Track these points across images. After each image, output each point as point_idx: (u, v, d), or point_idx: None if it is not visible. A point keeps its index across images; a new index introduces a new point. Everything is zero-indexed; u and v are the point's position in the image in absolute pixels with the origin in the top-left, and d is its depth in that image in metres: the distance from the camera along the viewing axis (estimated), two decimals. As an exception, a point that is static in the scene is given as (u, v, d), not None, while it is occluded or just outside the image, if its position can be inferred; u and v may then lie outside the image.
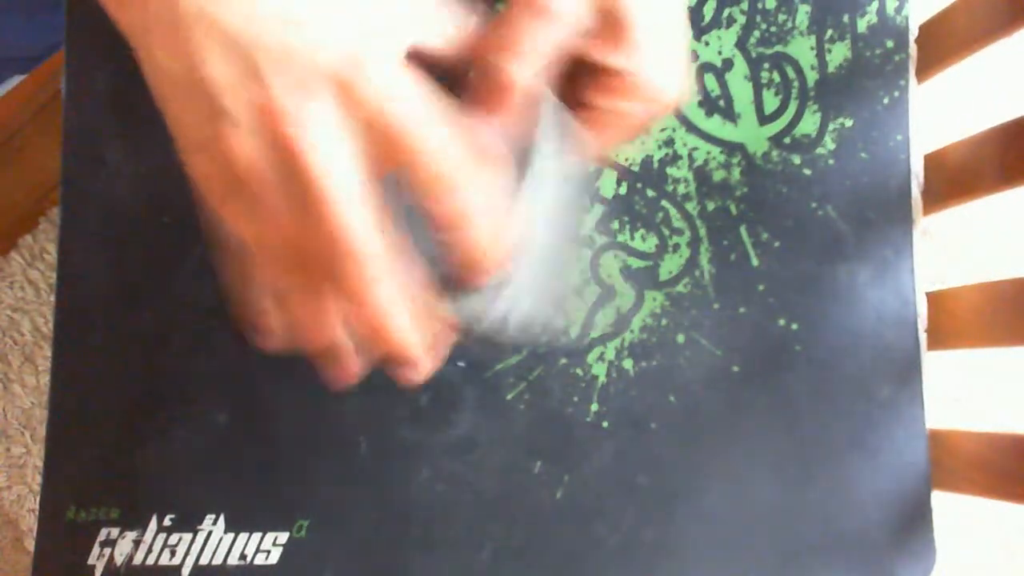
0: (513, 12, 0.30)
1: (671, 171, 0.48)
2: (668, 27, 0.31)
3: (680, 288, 0.48)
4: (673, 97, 0.32)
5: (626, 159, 0.48)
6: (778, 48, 0.49)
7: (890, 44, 0.50)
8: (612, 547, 0.46)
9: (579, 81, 0.32)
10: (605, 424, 0.47)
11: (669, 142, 0.48)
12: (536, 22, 0.29)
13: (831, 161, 0.49)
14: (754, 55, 0.49)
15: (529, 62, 0.30)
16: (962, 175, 0.49)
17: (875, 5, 0.50)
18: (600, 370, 0.47)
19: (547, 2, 0.29)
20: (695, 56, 0.48)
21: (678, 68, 0.32)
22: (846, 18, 0.50)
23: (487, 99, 0.30)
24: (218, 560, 0.45)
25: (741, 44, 0.49)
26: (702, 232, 0.48)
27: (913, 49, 0.50)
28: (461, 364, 0.46)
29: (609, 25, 0.30)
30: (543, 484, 0.46)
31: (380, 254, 0.26)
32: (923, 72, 0.50)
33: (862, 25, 0.50)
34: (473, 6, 0.31)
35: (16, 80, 0.69)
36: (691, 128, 0.49)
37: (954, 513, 0.90)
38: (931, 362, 0.49)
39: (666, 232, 0.48)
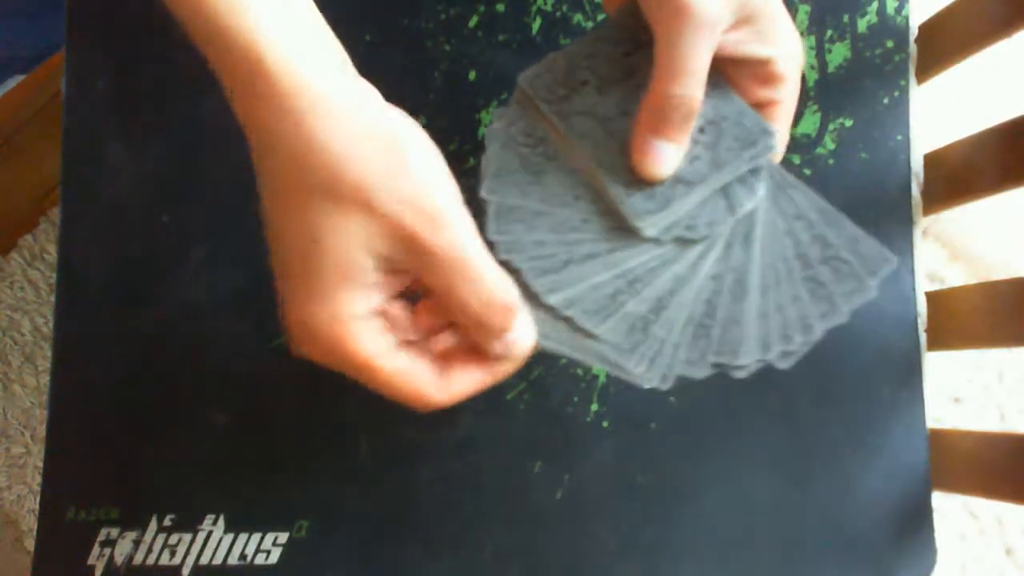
0: (673, 29, 0.31)
1: (671, 171, 0.48)
2: (779, 5, 0.33)
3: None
4: (801, 67, 0.34)
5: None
6: (778, 48, 0.49)
7: (890, 44, 0.50)
8: (612, 547, 0.46)
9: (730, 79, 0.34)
10: (605, 424, 0.47)
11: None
12: (696, 36, 0.30)
13: (831, 161, 0.49)
14: (754, 55, 0.49)
15: (700, 80, 0.31)
16: (962, 175, 0.49)
17: (875, 5, 0.50)
18: (600, 370, 0.47)
19: (701, 12, 0.30)
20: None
21: (796, 41, 0.34)
22: (846, 18, 0.50)
23: (674, 128, 0.32)
24: (218, 560, 0.45)
25: (741, 44, 0.49)
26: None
27: (913, 49, 0.50)
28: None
29: (747, 18, 0.32)
30: (543, 484, 0.46)
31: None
32: (923, 72, 0.50)
33: (862, 25, 0.50)
34: None
35: (16, 80, 0.69)
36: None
37: (954, 513, 0.90)
38: (931, 362, 0.49)
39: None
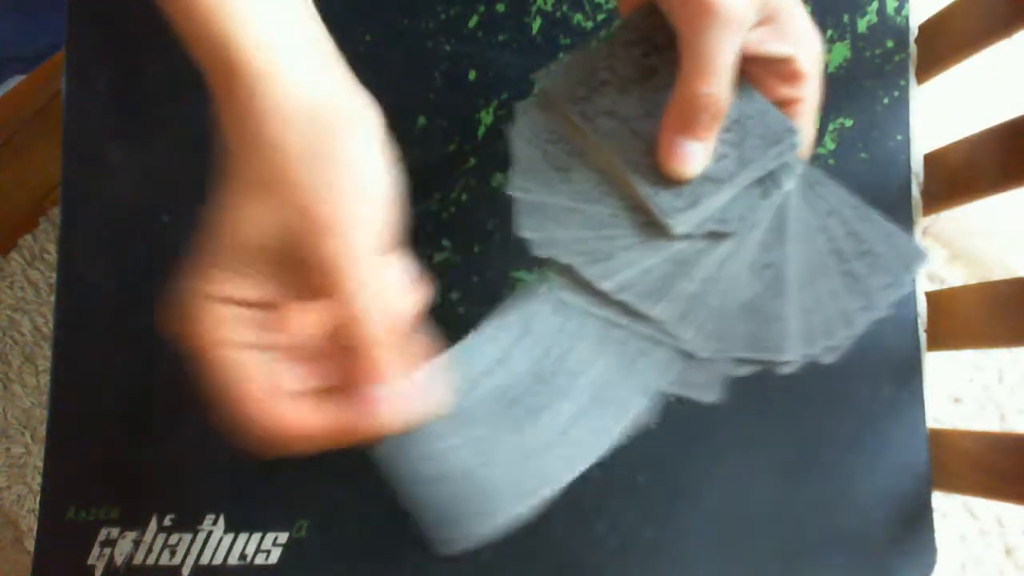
0: (699, 28, 0.30)
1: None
2: (798, 4, 0.33)
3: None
4: (821, 66, 0.34)
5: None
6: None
7: (890, 44, 0.50)
8: (612, 547, 0.46)
9: (752, 77, 0.34)
10: (605, 424, 0.47)
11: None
12: (722, 34, 0.30)
13: (831, 161, 0.49)
14: (754, 55, 0.49)
15: (728, 78, 0.31)
16: (962, 175, 0.49)
17: (875, 5, 0.50)
18: (600, 370, 0.47)
19: (727, 10, 0.30)
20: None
21: (816, 38, 0.34)
22: (846, 18, 0.50)
23: (703, 128, 0.32)
24: (218, 560, 0.45)
25: (741, 44, 0.49)
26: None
27: (913, 49, 0.50)
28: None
29: (768, 17, 0.32)
30: (543, 484, 0.46)
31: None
32: (923, 72, 0.50)
33: (862, 25, 0.50)
34: None
35: (16, 80, 0.69)
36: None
37: (954, 513, 0.90)
38: (931, 362, 0.49)
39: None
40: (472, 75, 0.49)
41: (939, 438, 0.48)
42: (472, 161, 0.48)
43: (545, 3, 0.50)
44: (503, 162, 0.49)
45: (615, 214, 0.34)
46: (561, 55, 0.49)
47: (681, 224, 0.33)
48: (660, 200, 0.33)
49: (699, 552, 0.46)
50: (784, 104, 0.34)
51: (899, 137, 0.50)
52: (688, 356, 0.33)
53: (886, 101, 0.50)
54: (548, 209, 0.34)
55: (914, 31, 0.51)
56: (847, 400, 0.48)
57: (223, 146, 0.29)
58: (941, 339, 0.49)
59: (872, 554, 0.47)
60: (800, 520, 0.47)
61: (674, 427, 0.47)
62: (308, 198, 0.27)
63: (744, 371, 0.34)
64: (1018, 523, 0.92)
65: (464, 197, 0.48)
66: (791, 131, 0.34)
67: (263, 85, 0.27)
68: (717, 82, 0.31)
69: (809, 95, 0.35)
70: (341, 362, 0.29)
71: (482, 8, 0.50)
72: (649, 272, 0.33)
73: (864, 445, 0.47)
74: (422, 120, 0.49)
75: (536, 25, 0.50)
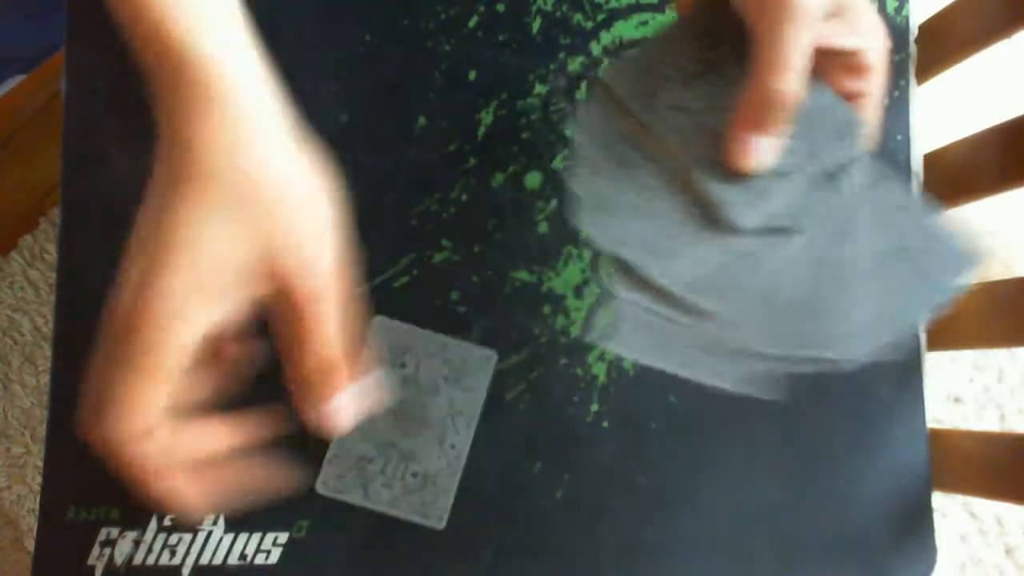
0: (774, 21, 0.31)
1: (671, 171, 0.48)
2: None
3: (680, 288, 0.48)
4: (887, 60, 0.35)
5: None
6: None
7: (890, 44, 0.50)
8: (612, 547, 0.46)
9: (819, 70, 0.34)
10: (605, 424, 0.47)
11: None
12: (797, 27, 0.30)
13: (831, 161, 0.49)
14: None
15: (802, 73, 0.31)
16: (962, 175, 0.49)
17: (875, 5, 0.50)
18: (600, 370, 0.47)
19: (803, 3, 0.30)
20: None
21: (883, 32, 0.34)
22: (846, 18, 0.50)
23: (774, 123, 0.32)
24: (218, 560, 0.45)
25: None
26: (702, 232, 0.48)
27: (913, 49, 0.50)
28: (461, 364, 0.46)
29: (838, 10, 0.32)
30: (543, 484, 0.46)
31: None
32: (923, 72, 0.50)
33: (862, 25, 0.50)
34: None
35: (16, 80, 0.69)
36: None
37: (954, 513, 0.90)
38: (931, 362, 0.49)
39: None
40: (472, 75, 0.49)
41: (939, 438, 0.48)
42: (472, 161, 0.48)
43: (545, 3, 0.50)
44: (503, 162, 0.49)
45: (679, 209, 0.34)
46: (562, 55, 0.49)
47: (747, 218, 0.33)
48: (726, 194, 0.33)
49: (699, 552, 0.46)
50: (850, 97, 0.34)
51: (899, 137, 0.50)
52: (751, 354, 0.33)
53: (886, 101, 0.50)
54: (610, 204, 0.34)
55: (914, 31, 0.51)
56: (847, 400, 0.48)
57: (170, 155, 0.29)
58: (941, 339, 0.49)
59: (872, 554, 0.47)
60: (800, 520, 0.47)
61: (674, 427, 0.47)
62: (275, 218, 0.28)
63: (807, 368, 0.33)
64: (1018, 523, 0.92)
65: (464, 197, 0.48)
66: (857, 124, 0.34)
67: (227, 95, 0.28)
68: (791, 77, 0.31)
69: (875, 89, 0.35)
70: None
71: (482, 8, 0.50)
72: (713, 269, 0.33)
73: (864, 445, 0.47)
74: (422, 120, 0.49)
75: (536, 25, 0.50)
